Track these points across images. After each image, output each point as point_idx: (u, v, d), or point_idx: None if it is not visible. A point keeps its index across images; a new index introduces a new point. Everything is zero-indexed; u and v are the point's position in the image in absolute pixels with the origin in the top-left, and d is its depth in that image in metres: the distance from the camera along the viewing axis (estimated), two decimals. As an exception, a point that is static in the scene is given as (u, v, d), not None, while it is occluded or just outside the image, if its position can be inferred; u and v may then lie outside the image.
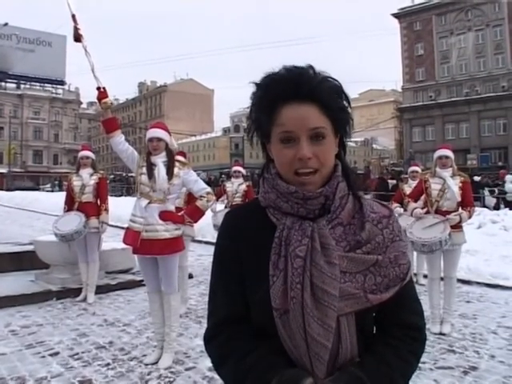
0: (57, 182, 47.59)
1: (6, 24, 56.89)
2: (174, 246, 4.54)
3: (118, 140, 4.61)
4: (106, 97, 4.69)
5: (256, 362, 1.21)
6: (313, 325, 1.16)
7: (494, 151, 48.45)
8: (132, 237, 4.50)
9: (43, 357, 4.80)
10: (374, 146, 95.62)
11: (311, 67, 1.25)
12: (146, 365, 4.55)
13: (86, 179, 6.97)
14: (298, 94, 1.20)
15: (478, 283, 8.01)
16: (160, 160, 4.52)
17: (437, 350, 4.94)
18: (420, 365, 4.42)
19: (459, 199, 5.42)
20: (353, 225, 1.26)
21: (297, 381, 1.12)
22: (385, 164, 57.79)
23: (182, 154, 6.69)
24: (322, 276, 1.17)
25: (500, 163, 42.98)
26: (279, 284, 1.19)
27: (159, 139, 4.56)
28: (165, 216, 4.48)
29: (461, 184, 5.48)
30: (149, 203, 4.48)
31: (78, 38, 4.65)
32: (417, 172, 8.00)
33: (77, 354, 4.89)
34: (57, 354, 4.89)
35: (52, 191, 42.07)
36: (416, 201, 5.74)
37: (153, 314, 4.85)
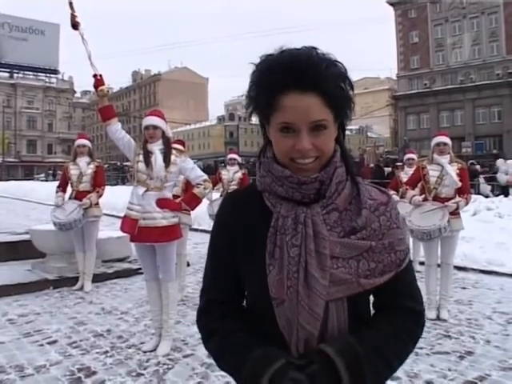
0: (51, 172, 47.41)
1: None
2: (172, 233, 4.54)
3: (115, 128, 4.58)
4: (103, 84, 4.65)
5: (237, 340, 1.25)
6: (303, 313, 1.17)
7: (488, 139, 48.54)
8: (129, 225, 4.50)
9: (41, 345, 4.82)
10: (369, 133, 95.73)
11: (315, 51, 1.19)
12: (145, 352, 4.58)
13: (83, 168, 6.93)
14: (301, 84, 1.15)
15: (474, 270, 8.07)
16: (157, 148, 4.52)
17: (433, 336, 4.98)
18: (417, 350, 4.49)
19: (459, 185, 5.41)
20: (349, 211, 1.25)
21: (268, 362, 1.14)
22: (380, 152, 57.86)
23: (181, 142, 6.68)
24: (314, 264, 1.18)
25: (495, 151, 43.03)
26: (275, 273, 1.19)
27: (155, 127, 4.55)
28: (162, 203, 4.47)
29: (458, 171, 5.47)
30: (146, 191, 4.48)
31: (75, 25, 4.61)
32: (413, 159, 8.01)
33: (75, 342, 4.91)
34: (55, 342, 4.91)
35: (46, 180, 41.94)
36: (413, 188, 5.75)
37: (151, 301, 4.86)
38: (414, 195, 5.65)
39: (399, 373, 4.03)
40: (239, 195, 1.43)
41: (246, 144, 75.09)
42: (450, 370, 4.14)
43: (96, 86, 4.64)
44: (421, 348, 4.58)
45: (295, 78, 1.14)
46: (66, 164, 7.28)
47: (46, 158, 73.97)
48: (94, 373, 4.13)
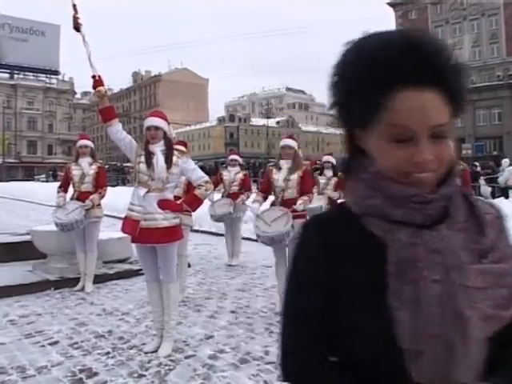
0: (51, 173, 47.50)
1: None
2: (173, 234, 4.53)
3: (116, 129, 4.57)
4: (101, 85, 4.64)
5: None
6: (461, 368, 0.92)
7: (488, 140, 48.62)
8: (130, 226, 4.50)
9: (43, 346, 4.82)
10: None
11: (429, 34, 0.96)
12: (146, 353, 4.57)
13: (85, 168, 6.93)
14: (420, 78, 0.89)
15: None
16: (158, 149, 4.50)
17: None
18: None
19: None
20: (469, 229, 1.00)
21: None
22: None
23: (183, 143, 6.68)
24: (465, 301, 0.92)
25: (495, 152, 43.02)
26: (407, 318, 0.92)
27: (157, 128, 4.54)
28: (163, 205, 4.46)
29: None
30: (147, 192, 4.47)
31: (77, 27, 4.63)
32: None
33: (76, 343, 4.90)
34: (56, 343, 4.91)
35: (47, 181, 42.01)
36: None
37: (152, 302, 4.85)
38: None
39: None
40: (326, 221, 1.10)
41: (247, 145, 75.22)
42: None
43: (94, 87, 4.65)
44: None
45: (412, 69, 0.88)
46: (68, 164, 7.28)
47: (47, 159, 74.13)
48: (96, 374, 4.13)
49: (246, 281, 7.76)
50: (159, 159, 4.44)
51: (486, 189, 18.56)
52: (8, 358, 4.48)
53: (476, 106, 50.30)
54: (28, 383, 3.95)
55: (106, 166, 43.96)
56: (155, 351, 4.60)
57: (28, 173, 65.94)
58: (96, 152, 7.44)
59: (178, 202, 4.79)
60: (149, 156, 4.48)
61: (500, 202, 12.93)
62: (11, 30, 69.44)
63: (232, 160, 8.96)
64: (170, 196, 4.60)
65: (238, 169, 8.89)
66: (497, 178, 18.22)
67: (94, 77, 4.65)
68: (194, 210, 5.04)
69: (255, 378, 4.04)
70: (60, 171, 50.29)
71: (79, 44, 4.70)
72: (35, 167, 70.46)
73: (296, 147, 6.08)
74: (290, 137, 6.40)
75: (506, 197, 15.51)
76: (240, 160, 9.16)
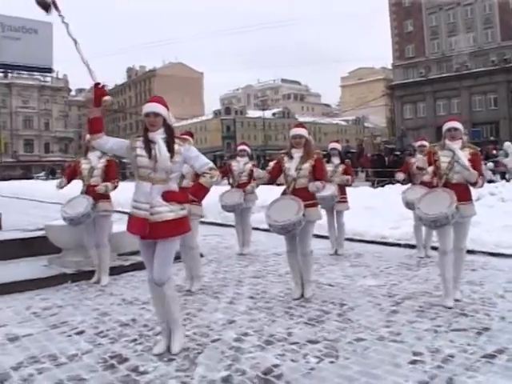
0: (45, 172, 47.53)
1: (-10, 12, 56.23)
2: (180, 227, 4.24)
3: (103, 141, 4.30)
4: (107, 94, 4.32)
5: None
6: None
7: (485, 126, 48.71)
8: (138, 225, 4.20)
9: (69, 336, 4.91)
10: (366, 124, 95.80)
11: None
12: (155, 355, 4.34)
13: (94, 162, 6.98)
14: None
15: (482, 252, 8.22)
16: (159, 136, 4.18)
17: (449, 314, 5.14)
18: (435, 328, 4.69)
19: (471, 171, 5.29)
20: None
21: None
22: (377, 142, 58.09)
23: (190, 134, 6.70)
24: None
25: (492, 138, 43.19)
26: None
27: (156, 114, 4.21)
28: (168, 196, 4.18)
29: (470, 156, 5.42)
30: (151, 185, 4.18)
31: (45, 4, 4.24)
32: (424, 146, 8.06)
33: (102, 331, 5.01)
34: (82, 332, 5.00)
35: (46, 179, 42.06)
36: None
37: (154, 302, 4.54)
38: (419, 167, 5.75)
39: (421, 348, 4.22)
40: None
41: (243, 137, 74.93)
42: (469, 344, 4.29)
43: (99, 96, 4.26)
44: (439, 326, 4.77)
45: None
46: (78, 158, 7.37)
47: (44, 157, 74.13)
48: (126, 359, 4.24)
49: (259, 268, 7.89)
50: (161, 148, 4.12)
51: (487, 172, 18.69)
52: (38, 347, 4.57)
53: (472, 91, 50.46)
54: (62, 370, 4.05)
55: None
56: (163, 353, 4.35)
57: (25, 172, 65.87)
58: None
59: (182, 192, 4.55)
60: (148, 145, 4.18)
61: (503, 184, 13.15)
62: (3, 29, 68.62)
63: (241, 150, 9.04)
64: (174, 187, 4.31)
65: (246, 159, 8.97)
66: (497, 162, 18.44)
67: (97, 84, 4.29)
68: (200, 200, 4.89)
69: (282, 357, 4.16)
70: (58, 169, 50.55)
71: (71, 41, 4.34)
72: (33, 166, 70.39)
73: (306, 135, 6.00)
74: (300, 125, 6.29)
75: (508, 180, 15.68)
76: (249, 150, 9.23)
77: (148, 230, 4.13)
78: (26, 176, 54.41)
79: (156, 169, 4.15)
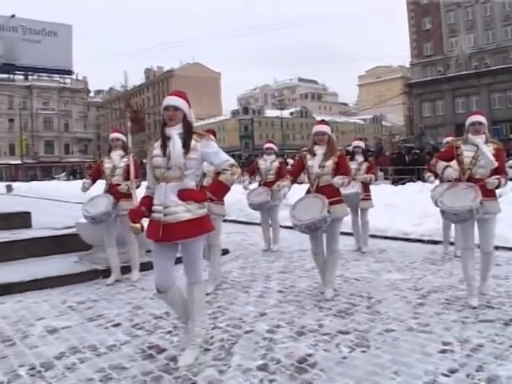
0: (65, 173, 48.15)
1: (12, 16, 57.31)
2: (200, 227, 4.02)
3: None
4: (141, 218, 4.14)
5: None
6: None
7: (505, 124, 48.18)
8: (152, 228, 4.06)
9: (106, 328, 5.07)
10: (383, 122, 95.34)
11: None
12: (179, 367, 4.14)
13: (116, 161, 7.08)
14: None
15: (505, 248, 8.27)
16: (175, 132, 3.98)
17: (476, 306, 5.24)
18: (463, 319, 4.79)
19: (496, 165, 5.20)
20: None
21: None
22: (395, 140, 57.84)
23: (212, 132, 6.60)
24: None
25: (511, 135, 42.80)
26: None
27: (176, 108, 4.00)
28: (185, 195, 3.96)
29: (494, 151, 5.27)
30: (166, 184, 3.99)
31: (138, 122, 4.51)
32: None
33: (137, 324, 5.17)
34: (118, 324, 5.17)
35: (68, 180, 42.67)
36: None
37: (170, 307, 4.61)
38: (447, 166, 5.40)
39: (450, 338, 4.33)
40: None
41: (261, 137, 75.12)
42: (497, 335, 4.39)
43: (133, 221, 4.13)
44: (466, 317, 4.88)
45: None
46: (102, 158, 7.54)
47: (64, 158, 75.02)
48: (164, 350, 4.39)
49: (285, 264, 8.01)
50: (176, 143, 3.92)
51: (508, 170, 18.59)
52: (78, 339, 4.74)
53: (491, 89, 49.99)
54: (103, 359, 4.21)
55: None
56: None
57: (46, 173, 66.76)
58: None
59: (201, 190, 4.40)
60: (164, 142, 4.01)
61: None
62: (24, 32, 69.89)
63: (267, 149, 9.12)
64: (191, 184, 4.06)
65: (273, 157, 9.06)
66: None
67: (137, 210, 4.20)
68: (220, 198, 4.79)
69: (315, 347, 4.30)
70: (79, 170, 51.23)
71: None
72: (53, 167, 71.33)
73: (329, 132, 5.87)
74: (323, 122, 6.09)
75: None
76: (275, 148, 9.31)
77: (161, 232, 3.94)
78: (48, 177, 55.28)
79: (169, 166, 3.96)
